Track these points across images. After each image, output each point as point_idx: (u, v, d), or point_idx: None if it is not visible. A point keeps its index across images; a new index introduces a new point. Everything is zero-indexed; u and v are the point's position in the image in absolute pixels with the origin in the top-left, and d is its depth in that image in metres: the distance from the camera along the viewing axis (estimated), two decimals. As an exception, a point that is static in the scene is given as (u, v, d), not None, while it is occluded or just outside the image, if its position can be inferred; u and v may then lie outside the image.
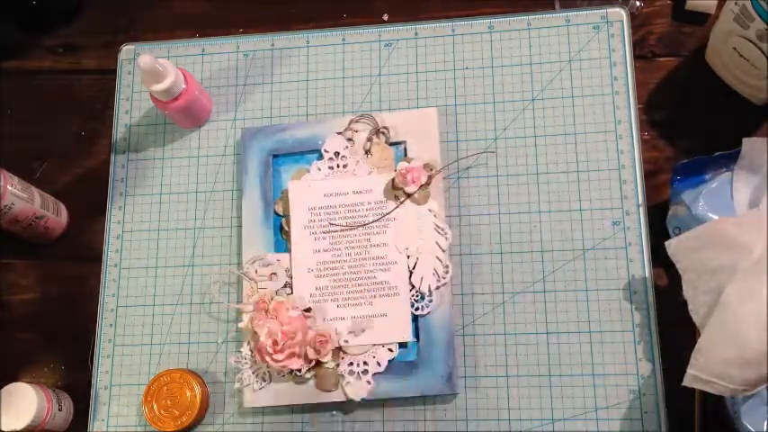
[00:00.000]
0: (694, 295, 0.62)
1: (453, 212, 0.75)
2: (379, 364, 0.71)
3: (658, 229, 0.72)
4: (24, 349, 0.79)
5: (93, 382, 0.76)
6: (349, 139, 0.77)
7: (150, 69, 0.72)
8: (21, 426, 0.70)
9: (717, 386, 0.60)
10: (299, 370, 0.70)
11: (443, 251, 0.72)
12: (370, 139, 0.76)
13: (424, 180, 0.73)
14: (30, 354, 0.79)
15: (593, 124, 0.76)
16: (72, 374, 0.78)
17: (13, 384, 0.72)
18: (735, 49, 0.71)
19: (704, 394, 0.63)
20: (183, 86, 0.75)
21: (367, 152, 0.76)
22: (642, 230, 0.72)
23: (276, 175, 0.78)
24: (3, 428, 0.70)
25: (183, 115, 0.78)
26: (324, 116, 0.80)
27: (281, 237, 0.76)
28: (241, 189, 0.78)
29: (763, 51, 0.68)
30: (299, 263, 0.74)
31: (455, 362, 0.70)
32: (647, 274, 0.71)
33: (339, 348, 0.71)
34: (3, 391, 0.71)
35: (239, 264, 0.76)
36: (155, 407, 0.72)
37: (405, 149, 0.76)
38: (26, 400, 0.71)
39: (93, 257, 0.80)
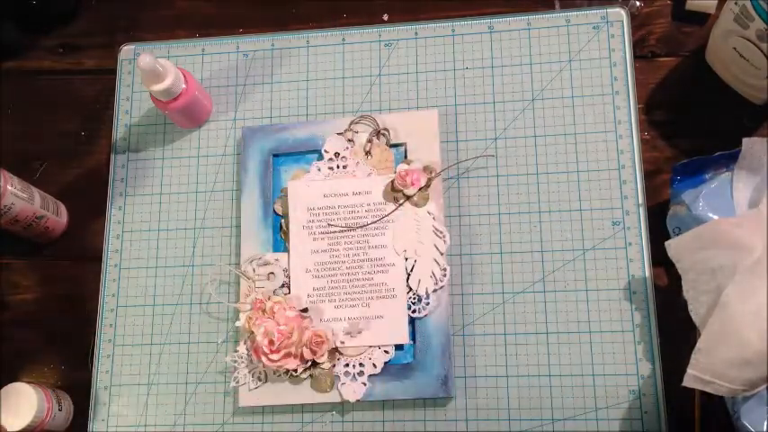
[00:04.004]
0: (694, 295, 0.62)
1: (453, 212, 0.75)
2: (375, 365, 0.71)
3: (658, 229, 0.71)
4: (24, 349, 0.79)
5: (93, 382, 0.76)
6: (349, 140, 0.77)
7: (150, 69, 0.72)
8: (21, 426, 0.70)
9: (717, 386, 0.60)
10: (295, 370, 0.70)
11: (441, 254, 0.72)
12: (370, 141, 0.76)
13: (423, 182, 0.73)
14: (30, 354, 0.79)
15: (593, 124, 0.75)
16: (72, 374, 0.78)
17: (13, 384, 0.72)
18: (735, 49, 0.70)
19: (704, 394, 0.63)
20: (183, 86, 0.75)
21: (367, 153, 0.76)
22: (642, 230, 0.72)
23: (276, 175, 0.78)
24: (3, 428, 0.70)
25: (182, 115, 0.79)
26: (324, 116, 0.80)
27: (280, 236, 0.76)
28: (241, 188, 0.78)
29: (763, 51, 0.67)
30: (297, 263, 0.74)
31: (451, 365, 0.70)
32: (647, 274, 0.71)
33: (335, 349, 0.71)
34: (3, 391, 0.71)
35: (239, 264, 0.76)
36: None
37: (405, 151, 0.76)
38: (26, 400, 0.71)
39: (93, 257, 0.80)
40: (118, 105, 0.84)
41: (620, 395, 0.69)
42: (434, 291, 0.72)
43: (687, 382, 0.61)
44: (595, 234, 0.73)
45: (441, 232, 0.73)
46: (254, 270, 0.74)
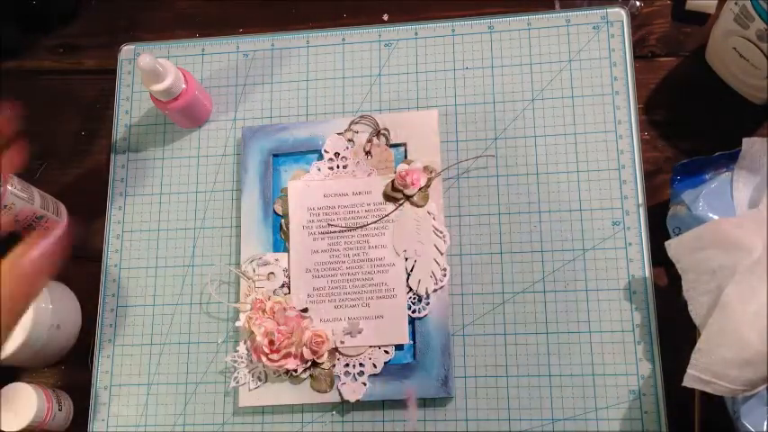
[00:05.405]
0: (694, 295, 0.62)
1: (453, 212, 0.75)
2: (374, 365, 0.71)
3: (658, 229, 0.71)
4: (24, 349, 0.79)
5: (93, 382, 0.76)
6: (349, 140, 0.77)
7: (150, 69, 0.72)
8: (21, 426, 0.70)
9: (717, 386, 0.60)
10: (295, 370, 0.70)
11: (441, 254, 0.72)
12: (370, 141, 0.76)
13: (423, 182, 0.73)
14: (30, 354, 0.79)
15: (593, 124, 0.75)
16: (72, 374, 0.78)
17: (13, 384, 0.72)
18: (735, 49, 0.70)
19: (704, 394, 0.63)
20: (183, 86, 0.75)
21: (367, 153, 0.76)
22: (642, 230, 0.72)
23: (276, 175, 0.78)
24: (3, 428, 0.70)
25: (182, 115, 0.78)
26: (324, 116, 0.80)
27: (280, 236, 0.76)
28: (241, 188, 0.78)
29: (763, 51, 0.67)
30: (297, 263, 0.74)
31: (451, 365, 0.70)
32: (647, 274, 0.71)
33: (335, 349, 0.71)
34: (3, 391, 0.71)
35: (239, 264, 0.76)
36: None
37: (405, 151, 0.76)
38: (26, 400, 0.71)
39: (93, 257, 0.80)
40: (118, 105, 0.84)
41: (620, 395, 0.69)
42: (434, 291, 0.72)
43: (687, 382, 0.61)
44: (595, 234, 0.73)
45: (441, 232, 0.73)
46: (254, 270, 0.74)
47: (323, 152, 0.77)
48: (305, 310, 0.73)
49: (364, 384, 0.70)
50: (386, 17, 0.83)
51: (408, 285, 0.72)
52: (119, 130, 0.83)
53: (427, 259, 0.72)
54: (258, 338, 0.69)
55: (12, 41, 0.88)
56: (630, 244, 0.72)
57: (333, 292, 0.73)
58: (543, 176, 0.75)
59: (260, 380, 0.72)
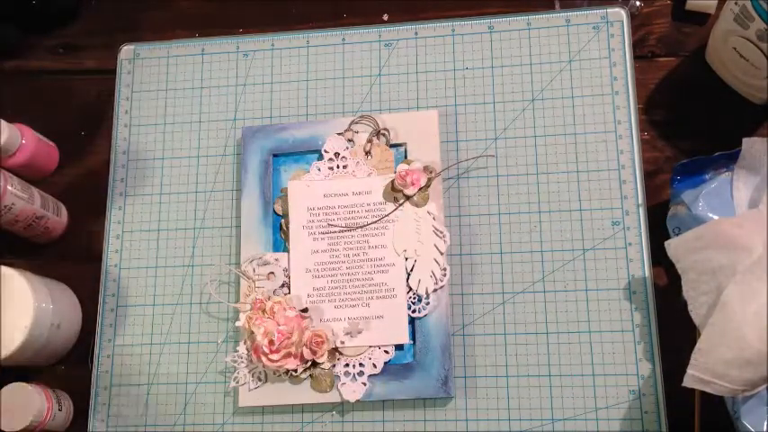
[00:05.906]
0: (694, 295, 0.62)
1: (453, 212, 0.75)
2: (374, 365, 0.71)
3: (658, 229, 0.71)
4: (24, 349, 0.79)
5: (93, 382, 0.76)
6: (349, 140, 0.77)
7: None
8: (21, 426, 0.70)
9: (717, 386, 0.60)
10: (295, 370, 0.70)
11: (441, 254, 0.72)
12: (370, 141, 0.76)
13: (423, 182, 0.73)
14: (30, 354, 0.79)
15: (593, 124, 0.75)
16: (72, 374, 0.78)
17: (13, 384, 0.72)
18: (735, 49, 0.71)
19: (704, 394, 0.63)
20: (21, 142, 0.78)
21: (367, 153, 0.76)
22: (642, 230, 0.72)
23: (276, 175, 0.78)
24: (3, 428, 0.70)
25: (26, 170, 0.80)
26: (324, 116, 0.80)
27: (280, 236, 0.76)
28: (241, 188, 0.78)
29: (763, 51, 0.67)
30: (297, 263, 0.74)
31: (451, 365, 0.70)
32: (646, 274, 0.71)
33: (335, 349, 0.71)
34: (3, 391, 0.71)
35: (239, 264, 0.76)
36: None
37: (405, 151, 0.76)
38: (26, 400, 0.71)
39: (93, 257, 0.80)
40: (118, 105, 0.84)
41: (620, 395, 0.69)
42: (434, 291, 0.71)
43: (687, 382, 0.61)
44: (595, 234, 0.73)
45: (441, 232, 0.73)
46: (254, 270, 0.74)
47: (323, 152, 0.77)
48: (305, 310, 0.73)
49: (364, 384, 0.70)
50: (386, 17, 0.83)
51: (408, 285, 0.72)
52: (119, 130, 0.83)
53: (427, 259, 0.72)
54: (258, 338, 0.69)
55: (12, 41, 0.88)
56: (630, 244, 0.72)
57: (333, 292, 0.73)
58: (543, 176, 0.75)
59: (260, 380, 0.72)
